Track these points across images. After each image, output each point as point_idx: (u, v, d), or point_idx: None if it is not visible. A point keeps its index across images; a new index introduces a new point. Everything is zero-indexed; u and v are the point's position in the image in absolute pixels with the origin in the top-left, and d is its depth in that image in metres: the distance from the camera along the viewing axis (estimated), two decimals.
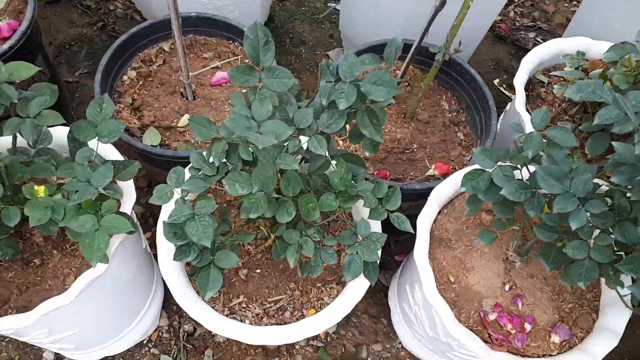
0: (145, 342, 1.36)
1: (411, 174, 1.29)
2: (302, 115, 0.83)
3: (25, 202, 0.90)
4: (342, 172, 0.95)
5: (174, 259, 0.82)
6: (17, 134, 0.85)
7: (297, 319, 1.03)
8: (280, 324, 1.01)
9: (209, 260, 0.84)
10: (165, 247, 1.00)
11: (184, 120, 1.27)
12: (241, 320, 1.00)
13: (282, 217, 0.87)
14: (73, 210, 0.86)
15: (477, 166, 1.15)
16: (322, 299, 1.05)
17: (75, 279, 0.97)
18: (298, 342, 1.41)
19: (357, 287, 1.01)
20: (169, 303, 1.43)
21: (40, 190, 0.87)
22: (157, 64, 1.41)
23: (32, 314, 0.89)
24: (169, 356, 1.33)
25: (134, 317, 1.24)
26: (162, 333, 1.38)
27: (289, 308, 1.04)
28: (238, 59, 1.41)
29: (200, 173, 0.88)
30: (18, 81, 0.87)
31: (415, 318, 1.24)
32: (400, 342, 1.44)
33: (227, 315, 1.00)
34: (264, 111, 0.75)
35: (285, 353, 1.39)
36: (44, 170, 0.91)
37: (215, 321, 0.95)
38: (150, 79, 1.36)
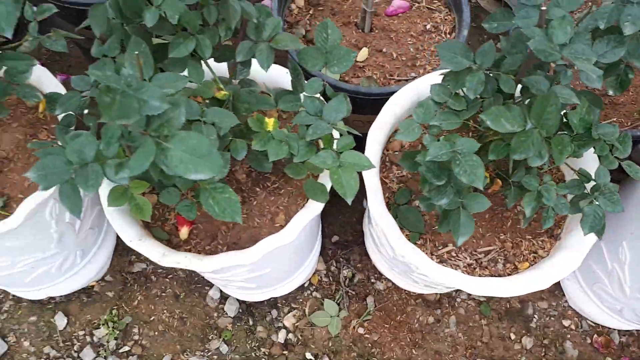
0: (306, 285, 1.34)
1: (613, 119, 1.15)
2: (581, 41, 0.72)
3: (245, 136, 0.85)
4: (584, 111, 0.83)
5: (429, 201, 0.75)
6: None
7: (510, 272, 0.95)
8: (494, 276, 0.94)
9: (458, 203, 0.77)
10: (375, 189, 0.93)
11: (363, 53, 1.17)
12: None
13: (533, 160, 0.77)
14: (305, 146, 0.80)
15: None
16: (536, 253, 0.97)
17: (286, 217, 0.93)
18: (460, 294, 1.35)
19: (581, 242, 0.92)
20: (323, 247, 1.40)
21: (271, 122, 0.81)
22: None
23: (255, 251, 0.86)
24: (332, 301, 1.31)
25: (306, 257, 1.21)
26: (322, 277, 1.36)
27: (499, 260, 0.96)
28: None
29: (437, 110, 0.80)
30: None
31: (609, 277, 1.15)
32: (566, 301, 1.36)
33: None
34: (563, 34, 0.64)
35: (447, 305, 1.34)
36: (265, 103, 0.85)
37: (433, 267, 0.89)
38: (320, 9, 1.26)
